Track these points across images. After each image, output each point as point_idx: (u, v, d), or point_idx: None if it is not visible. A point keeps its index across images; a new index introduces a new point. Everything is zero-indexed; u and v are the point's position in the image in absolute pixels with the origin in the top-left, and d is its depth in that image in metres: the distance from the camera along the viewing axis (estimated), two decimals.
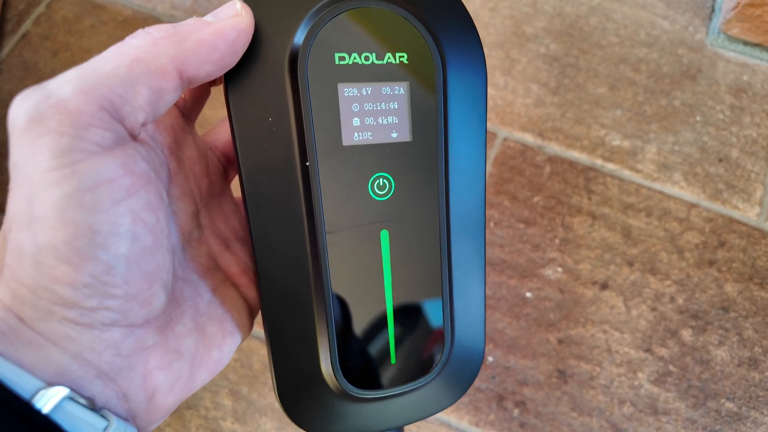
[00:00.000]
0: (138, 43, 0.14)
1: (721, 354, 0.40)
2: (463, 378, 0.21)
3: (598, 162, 0.45)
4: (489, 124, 0.46)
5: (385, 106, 0.17)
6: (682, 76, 0.48)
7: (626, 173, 0.45)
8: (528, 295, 0.41)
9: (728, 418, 0.38)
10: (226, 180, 0.21)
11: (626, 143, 0.45)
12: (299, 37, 0.16)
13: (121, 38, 0.15)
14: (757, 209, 0.43)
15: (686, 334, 0.40)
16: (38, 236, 0.13)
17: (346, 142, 0.17)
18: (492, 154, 0.45)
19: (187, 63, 0.15)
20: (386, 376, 0.19)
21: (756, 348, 0.40)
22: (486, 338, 0.40)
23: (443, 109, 0.18)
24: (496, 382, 0.39)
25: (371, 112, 0.17)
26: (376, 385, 0.19)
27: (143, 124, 0.15)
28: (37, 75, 0.48)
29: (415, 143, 0.18)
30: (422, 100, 0.18)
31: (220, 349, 0.18)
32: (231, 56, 0.16)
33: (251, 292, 0.20)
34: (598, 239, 0.43)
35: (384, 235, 0.18)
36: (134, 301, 0.14)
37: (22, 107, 0.13)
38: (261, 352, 0.40)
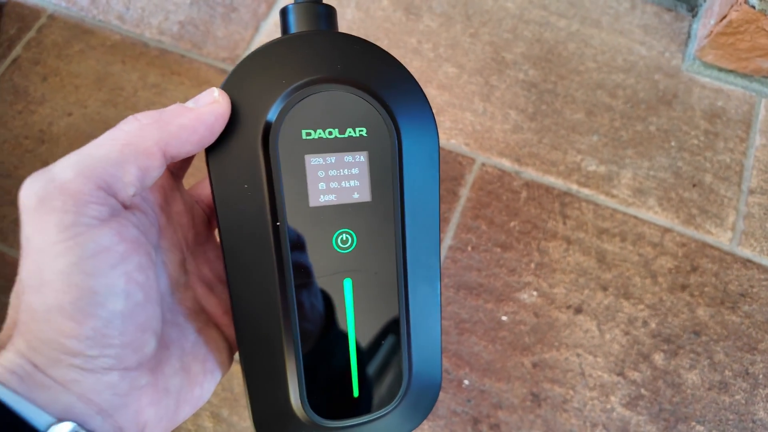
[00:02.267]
0: (128, 129, 0.17)
1: (692, 377, 0.40)
2: (421, 407, 0.23)
3: (574, 187, 0.46)
4: (468, 150, 0.47)
5: (347, 172, 0.20)
6: (658, 101, 0.49)
7: (601, 198, 0.45)
8: (504, 318, 0.42)
9: None
10: (210, 228, 0.24)
11: (602, 168, 0.46)
12: (271, 116, 0.19)
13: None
14: (729, 234, 0.44)
15: (658, 358, 0.41)
16: (47, 298, 0.16)
17: (312, 203, 0.20)
18: (470, 179, 0.46)
19: (170, 144, 0.18)
20: (350, 407, 0.21)
21: (726, 372, 0.41)
22: (462, 361, 0.41)
23: (399, 172, 0.20)
24: (472, 405, 0.40)
25: (335, 177, 0.20)
26: (341, 415, 0.21)
27: (133, 195, 0.18)
28: (26, 99, 0.49)
29: (375, 203, 0.20)
30: (380, 165, 0.20)
31: (201, 387, 0.21)
32: (209, 137, 0.18)
33: (231, 332, 0.23)
34: (573, 264, 0.43)
35: (347, 282, 0.21)
36: (129, 348, 0.17)
37: (31, 189, 0.16)
38: (241, 376, 0.41)
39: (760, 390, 0.40)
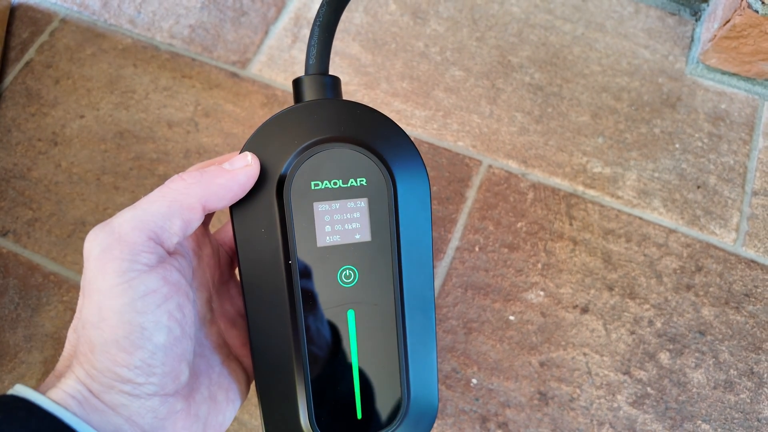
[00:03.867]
0: (174, 187, 0.20)
1: (697, 377, 0.41)
2: (420, 429, 0.25)
3: (580, 189, 0.46)
4: (474, 152, 0.48)
5: (350, 216, 0.23)
6: (662, 104, 0.50)
7: (607, 200, 0.46)
8: (511, 318, 0.43)
9: None
10: (232, 268, 0.27)
11: (607, 170, 0.47)
12: (285, 170, 0.22)
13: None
14: (733, 235, 0.45)
15: (664, 357, 0.41)
16: (105, 333, 0.18)
17: (320, 244, 0.23)
18: (477, 181, 0.47)
19: (209, 200, 0.21)
20: (354, 429, 0.24)
21: (731, 371, 0.41)
22: (470, 360, 0.41)
23: (395, 215, 0.23)
24: (480, 404, 0.40)
25: (339, 220, 0.23)
26: None
27: (177, 243, 0.21)
28: (39, 102, 0.50)
29: (374, 242, 0.23)
30: (379, 209, 0.23)
31: (224, 414, 0.23)
32: (241, 194, 0.22)
33: (250, 363, 0.25)
34: (579, 264, 0.44)
35: (350, 314, 0.23)
36: (169, 377, 0.20)
37: (95, 241, 0.19)
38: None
39: (765, 389, 0.40)
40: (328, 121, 0.23)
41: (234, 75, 0.51)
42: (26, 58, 0.52)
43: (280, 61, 0.52)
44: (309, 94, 0.24)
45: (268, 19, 0.53)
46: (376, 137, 0.23)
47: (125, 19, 0.53)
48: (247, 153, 0.22)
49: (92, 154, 0.48)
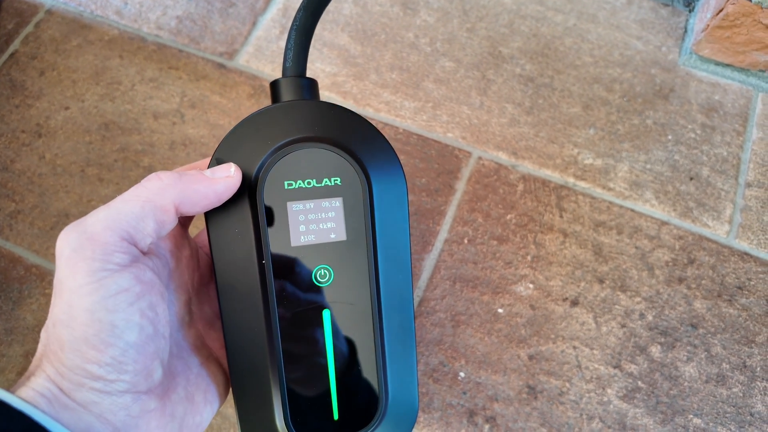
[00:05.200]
0: (150, 186, 0.20)
1: (689, 370, 0.40)
2: (400, 429, 0.25)
3: (571, 180, 0.46)
4: (464, 143, 0.47)
5: (325, 215, 0.23)
6: (654, 95, 0.49)
7: (598, 191, 0.45)
8: (500, 311, 0.42)
9: None
10: (211, 271, 0.26)
11: (599, 162, 0.46)
12: (258, 170, 0.22)
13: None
14: (726, 227, 0.44)
15: (655, 351, 0.41)
16: (75, 330, 0.18)
17: (294, 243, 0.22)
18: (467, 172, 0.46)
19: (183, 204, 0.21)
20: (330, 429, 0.23)
21: (724, 364, 0.40)
22: (457, 354, 0.41)
23: (371, 214, 0.23)
24: (467, 397, 0.40)
25: (314, 220, 0.22)
26: None
27: (150, 244, 0.21)
28: (24, 93, 0.50)
29: (350, 241, 0.23)
30: (354, 208, 0.23)
31: (201, 415, 0.23)
32: (217, 202, 0.22)
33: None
34: (570, 256, 0.43)
35: (326, 313, 0.23)
36: (141, 375, 0.20)
37: (66, 240, 0.19)
38: None
39: (758, 383, 0.40)
40: (303, 122, 0.23)
41: (221, 66, 0.50)
42: (11, 49, 0.51)
43: (267, 52, 0.51)
44: (286, 95, 0.24)
45: (256, 10, 0.53)
46: (352, 137, 0.23)
47: (112, 10, 0.53)
48: (231, 164, 0.22)
49: (77, 146, 0.47)
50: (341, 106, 0.24)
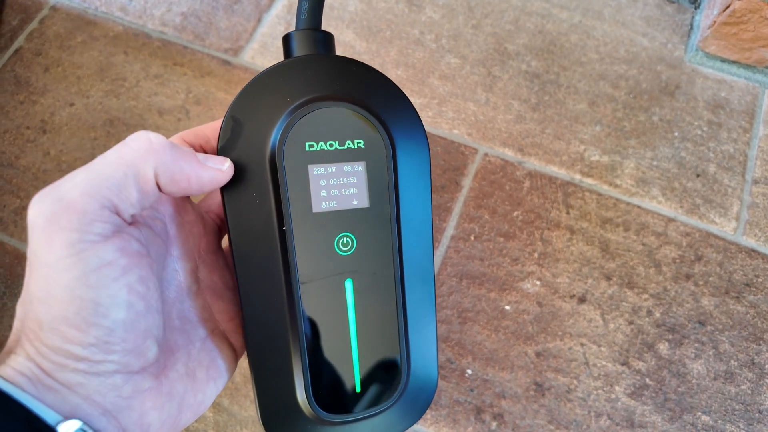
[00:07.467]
0: (137, 147, 0.18)
1: (697, 367, 0.40)
2: (419, 403, 0.24)
3: (577, 177, 0.46)
4: (470, 140, 0.47)
5: (347, 180, 0.21)
6: (660, 92, 0.49)
7: (604, 188, 0.45)
8: (507, 308, 0.42)
9: (704, 431, 0.38)
10: (220, 237, 0.25)
11: (605, 158, 0.46)
12: (278, 131, 0.20)
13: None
14: (733, 224, 0.44)
15: (663, 348, 0.41)
16: (54, 309, 0.17)
17: (315, 209, 0.21)
18: (473, 169, 0.46)
19: (162, 176, 0.19)
20: (352, 402, 0.22)
21: (732, 361, 0.40)
22: (465, 351, 0.41)
23: (394, 180, 0.22)
24: (475, 394, 0.39)
25: (336, 185, 0.21)
26: (344, 410, 0.22)
27: (134, 214, 0.19)
28: (28, 89, 0.49)
29: (372, 208, 0.22)
30: (377, 174, 0.22)
31: (204, 393, 0.21)
32: (196, 190, 0.20)
33: (237, 338, 0.24)
34: (576, 253, 0.43)
35: (348, 283, 0.22)
36: (131, 354, 0.18)
37: (39, 209, 0.17)
38: (243, 365, 0.40)
39: (766, 380, 0.40)
40: (323, 78, 0.21)
41: (226, 63, 0.50)
42: (15, 45, 0.51)
43: (272, 49, 0.51)
44: (300, 49, 0.22)
45: (261, 6, 0.53)
46: (375, 97, 0.22)
47: (116, 6, 0.53)
48: (226, 159, 0.20)
49: (81, 142, 0.47)
50: (361, 62, 0.22)
